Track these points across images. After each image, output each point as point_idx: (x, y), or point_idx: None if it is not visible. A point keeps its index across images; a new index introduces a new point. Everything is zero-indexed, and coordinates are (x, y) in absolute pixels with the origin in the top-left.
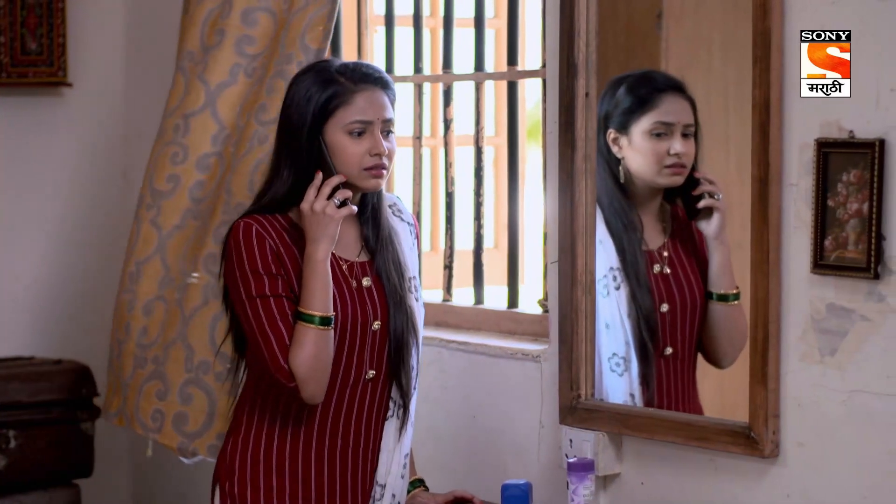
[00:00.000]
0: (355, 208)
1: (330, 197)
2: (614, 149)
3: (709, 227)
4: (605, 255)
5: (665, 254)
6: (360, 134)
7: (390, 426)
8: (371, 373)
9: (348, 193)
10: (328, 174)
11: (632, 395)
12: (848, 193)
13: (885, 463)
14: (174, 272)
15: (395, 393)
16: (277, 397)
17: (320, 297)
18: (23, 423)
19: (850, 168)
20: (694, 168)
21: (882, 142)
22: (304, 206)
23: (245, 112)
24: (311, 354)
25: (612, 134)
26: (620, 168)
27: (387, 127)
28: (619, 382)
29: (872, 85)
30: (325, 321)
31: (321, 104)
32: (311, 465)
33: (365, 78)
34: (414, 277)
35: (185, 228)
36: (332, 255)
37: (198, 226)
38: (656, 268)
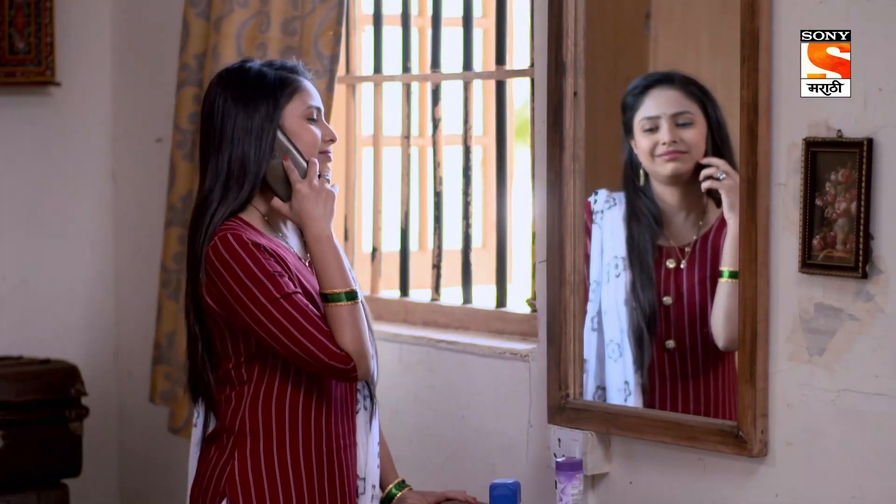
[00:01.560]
0: (337, 188)
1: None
2: (638, 156)
3: (724, 209)
4: (614, 244)
5: (688, 250)
6: (314, 120)
7: (360, 419)
8: None
9: (328, 177)
10: (297, 161)
11: (626, 382)
12: (836, 193)
13: (874, 462)
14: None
15: (359, 384)
16: (282, 405)
17: (338, 273)
18: (10, 422)
19: (838, 167)
20: (706, 155)
21: (870, 141)
22: (301, 186)
23: None
24: (355, 329)
25: (632, 141)
26: (641, 172)
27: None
28: (614, 368)
29: (860, 84)
30: (350, 296)
31: (282, 93)
32: (313, 469)
33: (299, 71)
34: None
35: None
36: (297, 256)
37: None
38: (670, 263)
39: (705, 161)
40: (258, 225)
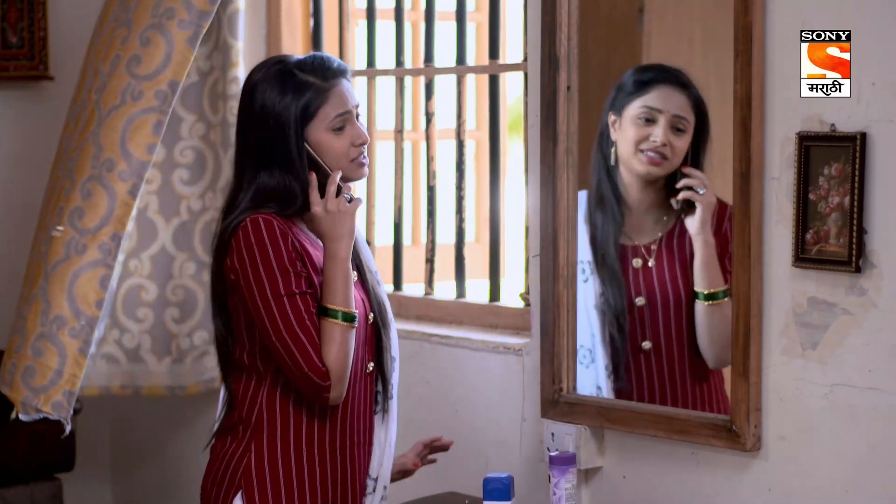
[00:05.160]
0: (361, 199)
1: (337, 194)
2: (612, 132)
3: (692, 224)
4: (579, 246)
5: (653, 248)
6: (341, 128)
7: (378, 418)
8: (370, 366)
9: (350, 187)
10: (321, 174)
11: (599, 388)
12: (829, 187)
13: (866, 456)
14: (44, 224)
15: (379, 384)
16: (298, 399)
17: (342, 293)
18: (3, 417)
19: (831, 162)
20: (685, 163)
21: (863, 135)
22: (317, 209)
23: (108, 58)
24: (342, 350)
25: (611, 116)
26: (612, 151)
27: (357, 112)
28: (586, 374)
29: (854, 79)
30: (347, 317)
31: (301, 109)
32: (326, 465)
33: (333, 73)
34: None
35: (55, 179)
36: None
37: (62, 176)
38: (637, 262)
39: (686, 171)
40: (295, 219)
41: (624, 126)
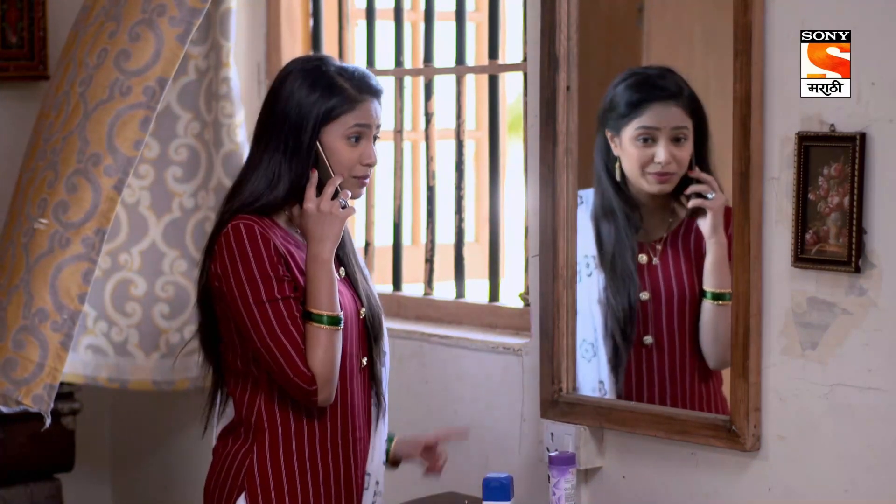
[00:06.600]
0: (355, 209)
1: (333, 197)
2: (612, 146)
3: (704, 226)
4: (583, 242)
5: (659, 246)
6: (356, 140)
7: (373, 413)
8: (364, 361)
9: (348, 194)
10: (324, 174)
11: (601, 382)
12: (829, 187)
13: (866, 456)
14: (23, 215)
15: (372, 379)
16: (295, 400)
17: (326, 296)
18: (2, 417)
19: (831, 162)
20: (691, 167)
21: (863, 135)
22: (310, 205)
23: (95, 51)
24: (328, 354)
25: (609, 133)
26: (617, 166)
27: (376, 133)
28: (588, 368)
29: (853, 79)
30: (333, 321)
31: (326, 109)
32: (329, 463)
33: (369, 89)
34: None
35: (35, 170)
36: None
37: (44, 167)
38: (642, 258)
39: (694, 175)
40: (281, 220)
41: (624, 146)
